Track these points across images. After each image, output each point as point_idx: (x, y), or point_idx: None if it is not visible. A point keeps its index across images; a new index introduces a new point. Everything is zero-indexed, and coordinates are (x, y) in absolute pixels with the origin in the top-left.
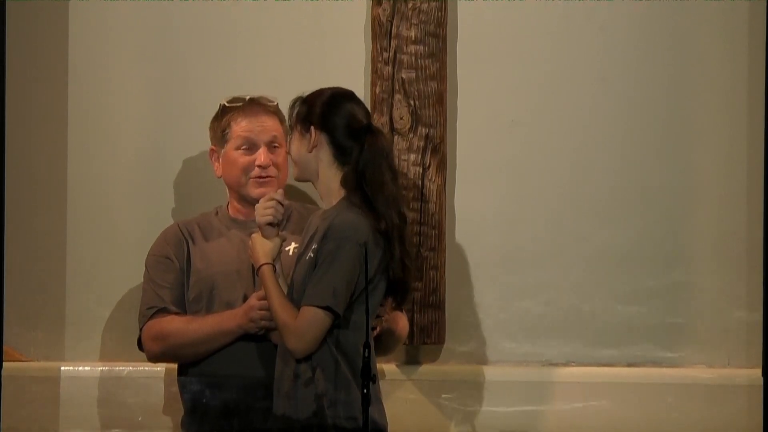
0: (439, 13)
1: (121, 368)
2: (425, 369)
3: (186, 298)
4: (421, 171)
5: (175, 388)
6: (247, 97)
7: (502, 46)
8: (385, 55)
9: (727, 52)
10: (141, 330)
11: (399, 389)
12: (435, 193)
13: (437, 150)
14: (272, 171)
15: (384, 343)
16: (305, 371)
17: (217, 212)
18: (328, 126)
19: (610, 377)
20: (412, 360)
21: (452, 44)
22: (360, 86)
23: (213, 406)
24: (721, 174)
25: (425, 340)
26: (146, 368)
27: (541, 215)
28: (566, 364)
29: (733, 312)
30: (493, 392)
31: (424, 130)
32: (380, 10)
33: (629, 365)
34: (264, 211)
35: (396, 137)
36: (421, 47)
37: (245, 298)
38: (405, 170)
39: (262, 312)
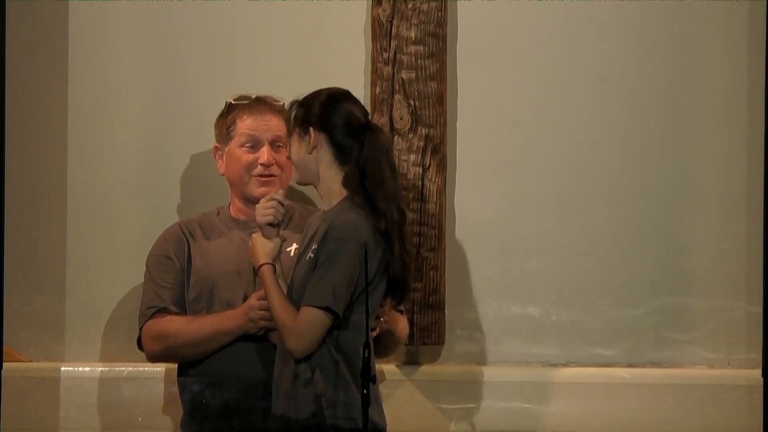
0: (439, 13)
1: (121, 368)
2: (425, 369)
3: (186, 298)
4: (421, 171)
5: (175, 388)
6: (254, 96)
7: (502, 46)
8: (385, 55)
9: (727, 52)
10: (141, 330)
11: (399, 390)
12: (435, 193)
13: (437, 150)
14: (275, 170)
15: (383, 345)
16: (304, 371)
17: (219, 212)
18: (327, 126)
19: (610, 377)
20: (412, 360)
21: (452, 44)
22: (360, 86)
23: (213, 407)
24: (721, 174)
25: (425, 341)
26: (146, 368)
27: (541, 215)
28: (566, 364)
29: (734, 312)
30: (493, 393)
31: (424, 130)
32: (380, 11)
33: (629, 365)
34: (264, 211)
35: (396, 137)
36: (421, 47)
37: (245, 298)
38: (405, 170)
39: (262, 312)
